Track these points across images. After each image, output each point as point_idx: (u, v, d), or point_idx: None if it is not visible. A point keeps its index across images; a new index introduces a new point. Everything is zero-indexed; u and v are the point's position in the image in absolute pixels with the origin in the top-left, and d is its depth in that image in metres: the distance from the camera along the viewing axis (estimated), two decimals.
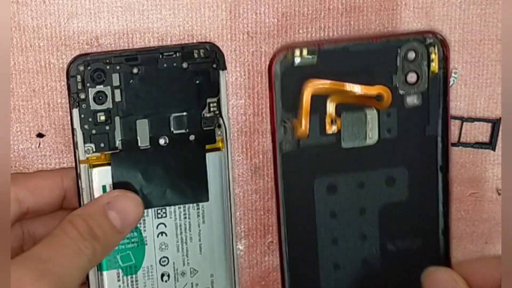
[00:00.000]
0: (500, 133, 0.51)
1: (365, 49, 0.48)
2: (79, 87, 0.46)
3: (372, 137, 0.50)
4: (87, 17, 0.47)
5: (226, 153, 0.48)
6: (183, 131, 0.48)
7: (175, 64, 0.47)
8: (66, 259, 0.41)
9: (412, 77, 0.49)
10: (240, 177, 0.51)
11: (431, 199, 0.51)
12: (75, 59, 0.46)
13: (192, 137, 0.48)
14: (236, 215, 0.51)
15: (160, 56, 0.47)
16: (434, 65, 0.49)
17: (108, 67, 0.46)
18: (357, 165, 0.50)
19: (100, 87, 0.47)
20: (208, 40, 0.48)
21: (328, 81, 0.48)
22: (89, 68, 0.46)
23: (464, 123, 0.50)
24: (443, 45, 0.49)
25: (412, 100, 0.49)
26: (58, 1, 0.47)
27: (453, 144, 0.51)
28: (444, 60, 0.49)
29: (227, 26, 0.48)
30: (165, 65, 0.47)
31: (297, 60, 0.48)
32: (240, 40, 0.49)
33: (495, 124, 0.50)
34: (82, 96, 0.46)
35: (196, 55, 0.47)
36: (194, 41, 0.48)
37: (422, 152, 0.50)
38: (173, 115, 0.48)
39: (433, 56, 0.49)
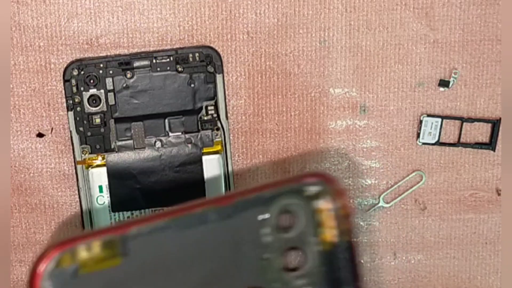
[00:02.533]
0: (500, 133, 0.50)
1: (202, 220, 0.32)
2: (74, 90, 0.47)
3: None
4: (87, 17, 0.47)
5: (225, 156, 0.48)
6: (178, 134, 0.48)
7: (169, 68, 0.47)
8: None
9: (293, 257, 0.30)
10: (240, 177, 0.51)
11: None
12: (70, 63, 0.47)
13: (187, 140, 0.48)
14: None
15: (154, 61, 0.47)
16: (328, 230, 0.31)
17: (101, 71, 0.47)
18: None
19: (93, 91, 0.47)
20: (208, 40, 0.48)
21: None
22: (82, 72, 0.47)
23: (464, 123, 0.50)
24: (338, 194, 0.31)
25: None
26: (59, 1, 0.47)
27: (453, 145, 0.51)
28: (344, 218, 0.31)
29: (227, 26, 0.48)
30: (158, 69, 0.47)
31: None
32: (240, 40, 0.49)
33: (495, 124, 0.50)
34: (77, 99, 0.47)
35: (191, 59, 0.47)
36: (194, 41, 0.48)
37: None
38: (169, 118, 0.48)
39: (323, 216, 0.31)
